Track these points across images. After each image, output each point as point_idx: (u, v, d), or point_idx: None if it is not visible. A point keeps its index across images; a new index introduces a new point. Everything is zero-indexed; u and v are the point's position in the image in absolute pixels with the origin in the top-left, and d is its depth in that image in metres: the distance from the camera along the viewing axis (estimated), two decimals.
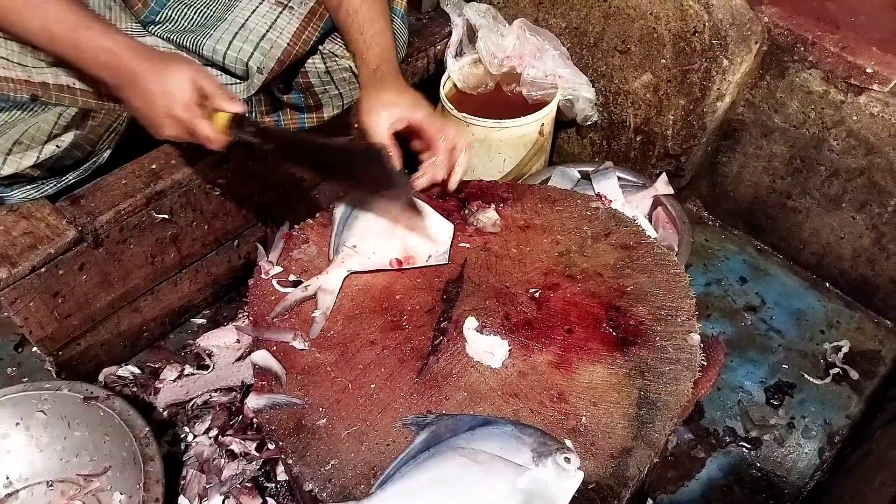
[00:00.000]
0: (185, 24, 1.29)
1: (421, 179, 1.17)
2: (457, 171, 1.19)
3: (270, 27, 1.26)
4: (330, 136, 1.66)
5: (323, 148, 1.16)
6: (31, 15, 1.06)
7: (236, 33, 1.26)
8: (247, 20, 1.27)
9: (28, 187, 1.31)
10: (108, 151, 1.37)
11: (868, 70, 1.50)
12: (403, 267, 1.12)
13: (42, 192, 1.33)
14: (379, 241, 1.13)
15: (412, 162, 1.22)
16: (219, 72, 1.33)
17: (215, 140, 1.13)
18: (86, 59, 1.10)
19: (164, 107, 1.09)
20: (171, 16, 1.28)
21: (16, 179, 1.29)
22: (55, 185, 1.34)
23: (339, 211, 1.19)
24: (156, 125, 1.13)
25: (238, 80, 1.33)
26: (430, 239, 1.14)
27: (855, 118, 1.55)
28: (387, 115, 1.16)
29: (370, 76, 1.21)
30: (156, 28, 1.29)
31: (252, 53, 1.25)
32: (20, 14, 1.06)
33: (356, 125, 1.59)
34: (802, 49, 1.57)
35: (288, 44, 1.25)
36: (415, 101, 1.18)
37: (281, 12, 1.26)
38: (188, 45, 1.27)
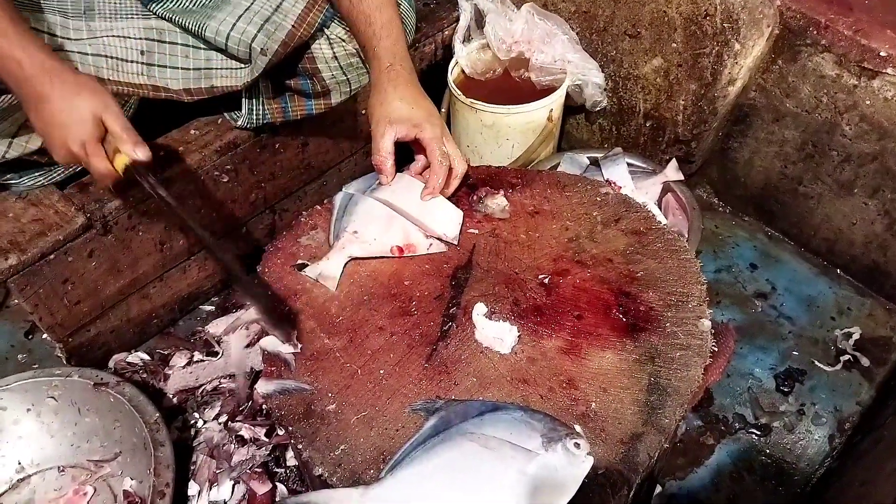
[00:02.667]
0: (188, 3, 1.28)
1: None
2: (446, 190, 1.19)
3: (275, 10, 1.25)
4: (337, 122, 1.65)
5: (202, 242, 1.15)
6: None
7: (240, 15, 1.25)
8: (252, 2, 1.26)
9: (36, 174, 1.32)
10: None
11: (882, 53, 1.48)
12: (404, 255, 1.12)
13: (50, 179, 1.33)
14: (380, 228, 1.13)
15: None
16: (223, 56, 1.33)
17: (109, 178, 1.11)
18: None
19: (61, 137, 1.07)
20: None
21: (24, 166, 1.30)
22: (63, 172, 1.34)
23: (340, 196, 1.19)
24: (52, 149, 1.11)
25: (241, 65, 1.33)
26: (432, 233, 1.14)
27: (868, 102, 1.53)
28: (394, 132, 1.15)
29: (382, 75, 1.18)
30: (157, 6, 1.28)
31: (255, 35, 1.24)
32: None
33: (364, 111, 1.58)
34: (815, 32, 1.55)
35: (292, 26, 1.24)
36: (426, 117, 1.17)
37: None
38: (190, 26, 1.27)
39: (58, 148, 1.09)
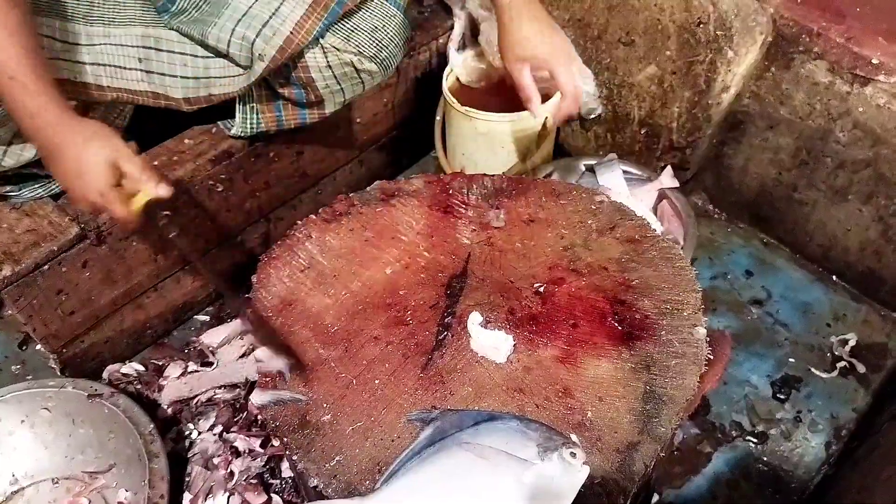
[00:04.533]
0: (195, 13, 1.29)
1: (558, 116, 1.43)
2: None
3: (273, 14, 1.25)
4: (332, 130, 1.65)
5: (209, 275, 1.18)
6: None
7: (239, 20, 1.25)
8: (250, 7, 1.26)
9: (35, 186, 1.32)
10: None
11: (874, 61, 1.49)
12: None
13: (49, 191, 1.33)
14: None
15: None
16: (221, 63, 1.33)
17: (131, 223, 1.12)
18: (13, 113, 1.07)
19: (80, 188, 1.08)
20: (185, 7, 1.27)
21: (22, 179, 1.29)
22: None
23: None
24: (72, 200, 1.12)
25: (239, 72, 1.33)
26: None
27: (861, 109, 1.54)
28: (528, 68, 1.33)
29: (505, 14, 1.30)
30: (170, 19, 1.28)
31: (254, 40, 1.24)
32: None
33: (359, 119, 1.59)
34: (808, 40, 1.55)
35: (290, 32, 1.24)
36: (551, 54, 1.32)
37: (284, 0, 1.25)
38: (195, 34, 1.27)
39: (78, 199, 1.10)
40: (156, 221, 1.11)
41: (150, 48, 1.29)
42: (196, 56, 1.32)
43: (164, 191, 1.09)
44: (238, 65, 1.32)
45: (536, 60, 1.30)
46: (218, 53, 1.31)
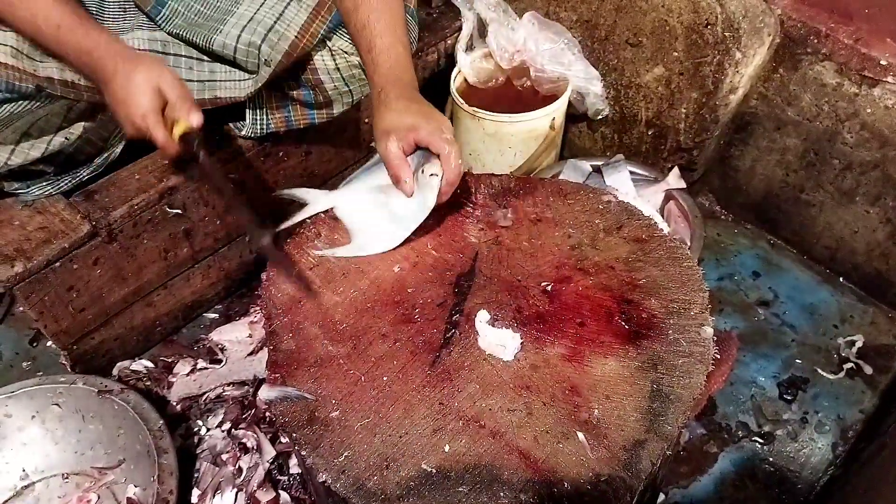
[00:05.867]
0: (194, 17, 1.30)
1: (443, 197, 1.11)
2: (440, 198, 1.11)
3: (278, 19, 1.26)
4: (340, 131, 1.66)
5: (239, 206, 1.19)
6: (22, 7, 1.09)
7: (244, 26, 1.26)
8: (255, 13, 1.27)
9: (43, 183, 1.33)
10: (121, 146, 1.38)
11: (882, 62, 1.49)
12: None
13: (58, 189, 1.34)
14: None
15: None
16: (226, 68, 1.34)
17: (170, 148, 1.15)
18: (67, 57, 1.15)
19: (125, 112, 1.13)
20: (177, 9, 1.28)
21: (31, 176, 1.31)
22: (70, 181, 1.35)
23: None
24: (122, 125, 1.17)
25: (245, 77, 1.34)
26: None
27: (869, 111, 1.54)
28: (393, 138, 1.09)
29: (377, 98, 1.16)
30: (166, 24, 1.29)
31: (260, 46, 1.25)
32: (11, 4, 1.09)
33: (367, 120, 1.59)
34: (816, 41, 1.56)
35: (296, 36, 1.25)
36: (416, 120, 1.10)
37: (289, 3, 1.26)
38: (198, 41, 1.28)
39: (125, 123, 1.15)
40: (191, 149, 1.14)
41: (157, 52, 1.30)
42: (202, 60, 1.33)
43: (195, 119, 1.13)
44: (245, 69, 1.33)
45: (400, 130, 1.09)
46: (224, 59, 1.32)
